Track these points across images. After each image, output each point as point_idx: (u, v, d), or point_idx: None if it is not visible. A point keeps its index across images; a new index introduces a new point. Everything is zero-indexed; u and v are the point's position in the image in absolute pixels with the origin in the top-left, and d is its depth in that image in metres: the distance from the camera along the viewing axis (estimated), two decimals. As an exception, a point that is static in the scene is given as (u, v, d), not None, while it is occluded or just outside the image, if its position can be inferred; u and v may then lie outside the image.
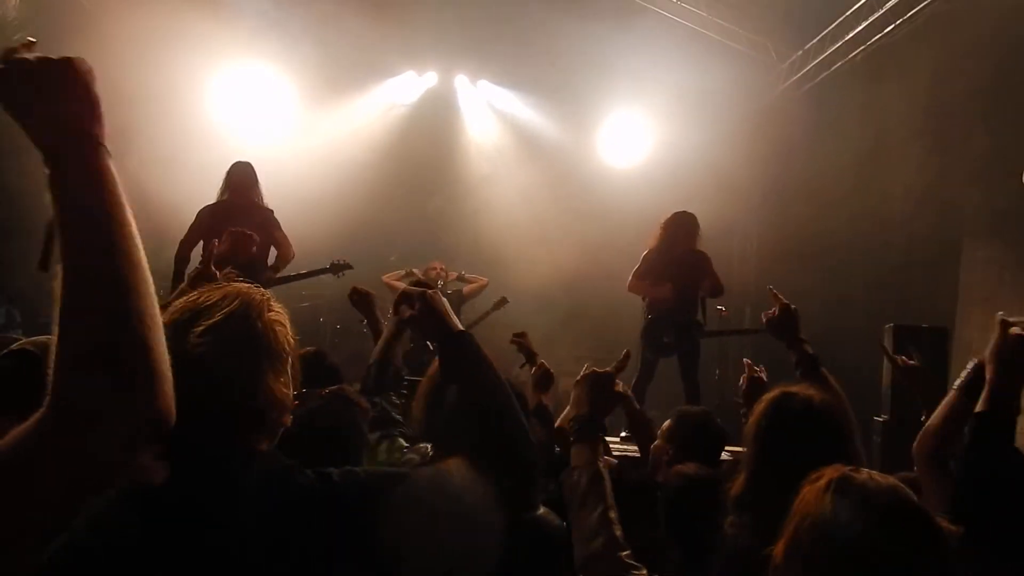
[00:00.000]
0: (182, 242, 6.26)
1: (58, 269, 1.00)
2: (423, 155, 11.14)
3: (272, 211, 6.52)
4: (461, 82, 11.59)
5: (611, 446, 5.28)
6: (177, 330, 1.37)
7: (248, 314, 1.44)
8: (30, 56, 1.08)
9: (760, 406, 2.19)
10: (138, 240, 1.05)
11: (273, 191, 6.81)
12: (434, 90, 11.52)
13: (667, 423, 3.41)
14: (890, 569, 1.43)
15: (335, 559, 1.31)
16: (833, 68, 9.90)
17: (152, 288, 1.03)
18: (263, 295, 1.51)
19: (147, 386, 0.98)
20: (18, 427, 0.96)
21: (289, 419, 1.50)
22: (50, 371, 0.97)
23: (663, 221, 6.93)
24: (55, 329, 0.98)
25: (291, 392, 1.50)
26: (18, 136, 1.06)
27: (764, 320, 3.08)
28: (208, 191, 6.59)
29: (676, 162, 10.75)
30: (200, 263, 3.59)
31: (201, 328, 1.38)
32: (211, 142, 9.34)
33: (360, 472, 1.46)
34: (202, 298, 1.45)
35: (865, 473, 1.56)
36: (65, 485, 0.96)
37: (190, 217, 6.39)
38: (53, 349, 0.97)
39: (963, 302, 7.21)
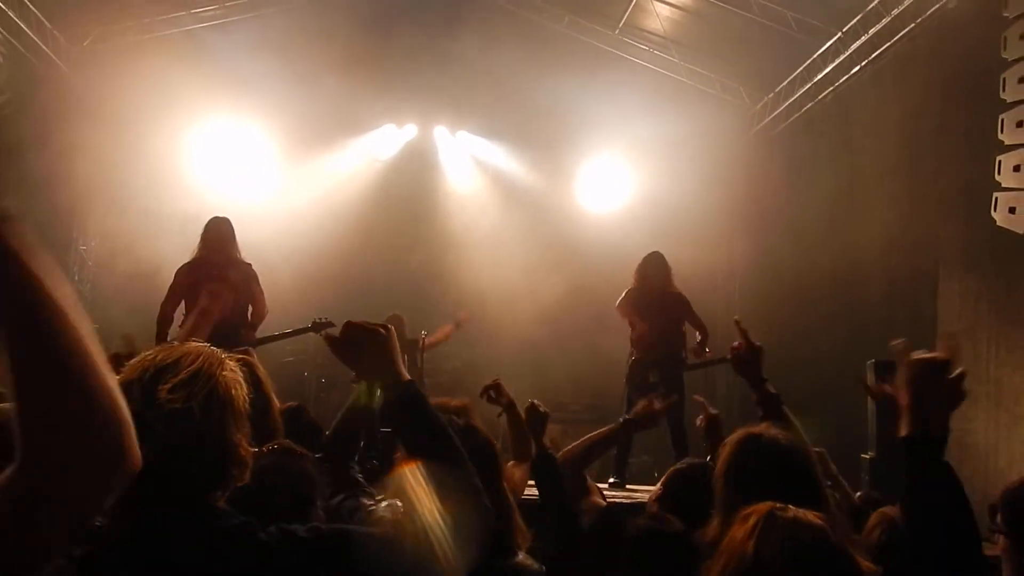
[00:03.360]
0: (163, 303, 6.21)
1: None
2: (404, 208, 11.20)
3: (250, 265, 6.47)
4: (440, 134, 11.72)
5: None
6: (145, 386, 1.39)
7: (211, 372, 1.47)
8: None
9: (726, 449, 2.18)
10: (70, 300, 1.01)
11: (253, 246, 6.81)
12: (414, 142, 11.64)
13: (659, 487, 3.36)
14: None
15: None
16: (804, 109, 10.11)
17: (95, 343, 1.01)
18: (219, 354, 1.54)
19: (116, 442, 0.98)
20: None
21: (247, 475, 1.52)
22: (15, 437, 0.96)
23: (637, 266, 7.05)
24: (14, 402, 0.97)
25: (250, 448, 1.52)
26: None
27: (730, 355, 2.94)
28: (190, 247, 6.58)
29: (654, 206, 10.88)
30: (180, 325, 3.58)
31: (169, 384, 1.41)
32: (191, 198, 9.37)
33: (323, 529, 1.48)
34: (160, 356, 1.48)
35: (791, 512, 1.59)
36: (34, 547, 0.96)
37: (171, 274, 6.37)
38: (15, 418, 0.96)
39: (942, 334, 7.26)
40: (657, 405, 3.30)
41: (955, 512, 1.79)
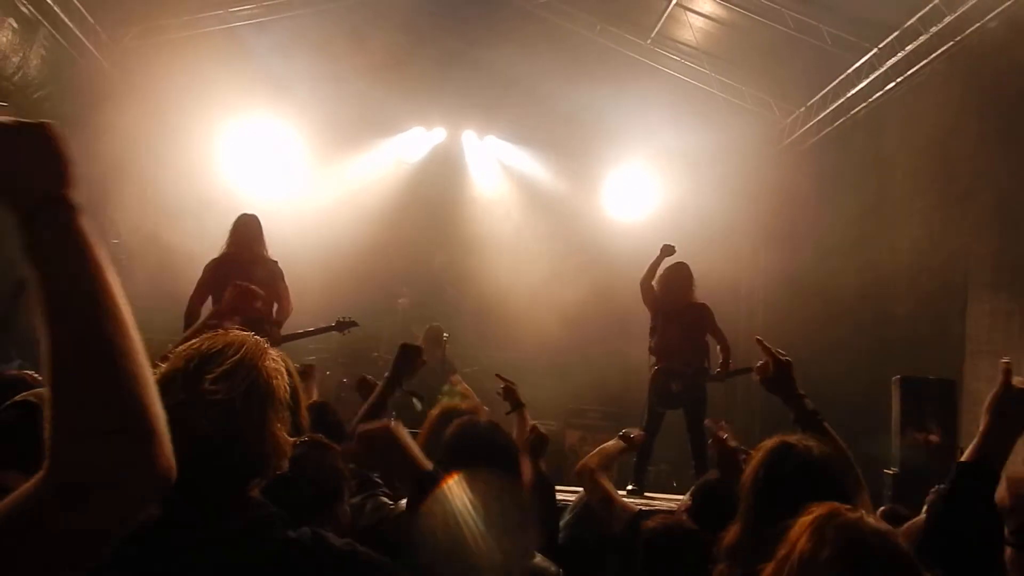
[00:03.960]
0: (191, 298, 6.26)
1: (42, 333, 0.97)
2: (430, 210, 11.26)
3: (276, 262, 6.51)
4: (468, 138, 11.77)
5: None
6: (188, 376, 1.41)
7: (253, 362, 1.48)
8: (3, 120, 1.05)
9: (758, 455, 2.14)
10: (122, 299, 1.02)
11: (280, 245, 6.85)
12: (441, 146, 11.71)
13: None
14: None
15: None
16: (835, 124, 10.04)
17: (140, 346, 1.01)
18: (261, 343, 1.55)
19: (149, 453, 0.97)
20: (19, 489, 0.95)
21: (286, 465, 1.53)
22: (46, 434, 0.96)
23: (660, 275, 7.00)
24: (49, 394, 0.96)
25: (288, 439, 1.53)
26: None
27: (755, 375, 2.78)
28: (220, 244, 6.65)
29: (680, 216, 10.85)
30: (207, 316, 3.60)
31: (213, 375, 1.42)
32: (223, 193, 9.49)
33: (358, 551, 1.47)
34: (205, 345, 1.49)
35: (857, 514, 1.57)
36: (63, 553, 0.95)
37: (201, 268, 6.44)
38: (47, 413, 0.96)
39: (971, 353, 7.17)
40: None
41: (986, 544, 1.78)
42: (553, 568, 2.37)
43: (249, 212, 6.62)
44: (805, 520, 1.57)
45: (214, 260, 6.40)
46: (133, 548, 1.31)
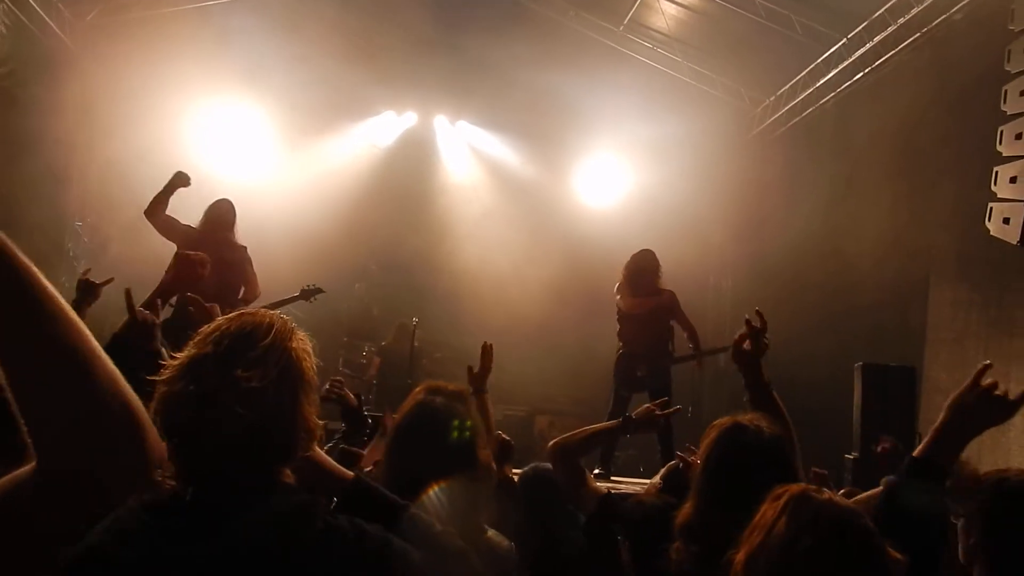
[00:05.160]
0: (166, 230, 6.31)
1: None
2: (401, 195, 11.20)
3: (245, 248, 6.55)
4: (440, 123, 11.72)
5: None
6: (219, 362, 1.39)
7: (284, 345, 1.46)
8: None
9: (711, 435, 2.21)
10: (60, 300, 1.04)
11: (249, 227, 6.82)
12: (413, 130, 11.65)
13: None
14: None
15: None
16: (804, 114, 10.14)
17: (92, 340, 1.04)
18: (288, 323, 1.51)
19: (131, 440, 1.00)
20: (7, 478, 0.99)
21: (314, 445, 1.52)
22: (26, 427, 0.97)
23: (626, 262, 7.04)
24: (14, 402, 0.98)
25: (318, 420, 1.51)
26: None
27: (737, 341, 2.88)
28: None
29: (651, 203, 10.91)
30: (155, 289, 3.56)
31: (246, 361, 1.39)
32: (190, 175, 9.35)
33: (393, 540, 1.45)
34: (233, 327, 1.46)
35: (826, 494, 1.62)
36: (48, 536, 0.98)
37: (167, 249, 6.38)
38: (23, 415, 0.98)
39: (931, 342, 7.33)
40: (659, 412, 3.34)
41: (930, 537, 1.83)
42: (506, 543, 2.40)
43: (225, 198, 6.61)
44: (777, 503, 1.61)
45: (192, 228, 6.38)
46: (167, 534, 1.32)
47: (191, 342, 1.45)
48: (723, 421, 2.24)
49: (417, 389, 3.02)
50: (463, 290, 10.13)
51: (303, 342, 1.51)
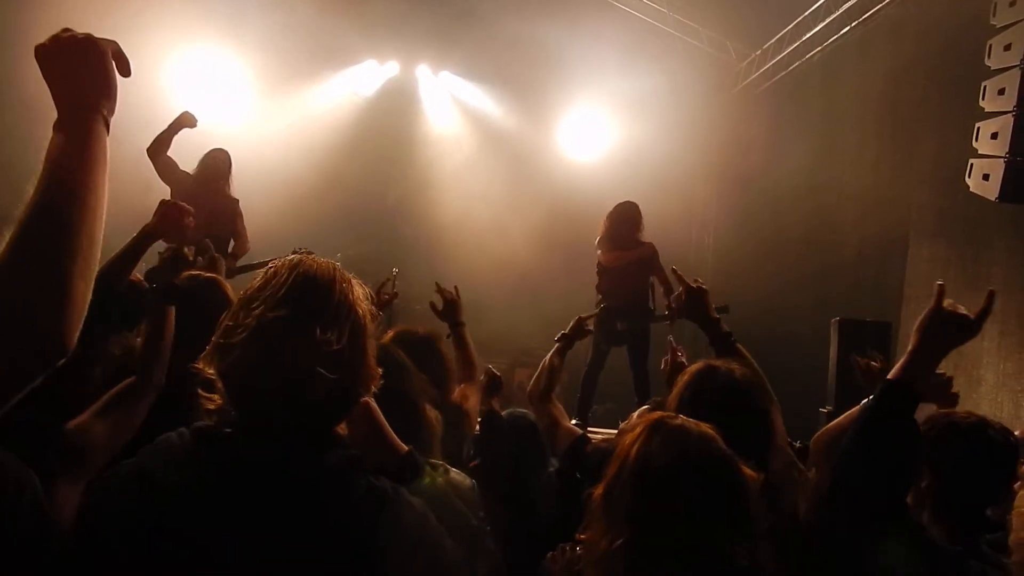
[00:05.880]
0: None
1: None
2: (383, 145, 11.07)
3: (238, 201, 6.53)
4: (423, 72, 11.55)
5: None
6: (296, 324, 1.35)
7: (349, 300, 1.43)
8: (64, 35, 1.25)
9: (683, 379, 2.28)
10: (100, 199, 1.18)
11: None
12: (395, 80, 11.46)
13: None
14: (695, 505, 1.54)
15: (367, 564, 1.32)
16: (790, 68, 10.08)
17: (97, 241, 1.16)
18: (341, 271, 1.49)
19: (53, 315, 1.07)
20: None
21: (374, 389, 1.50)
22: None
23: (608, 213, 7.01)
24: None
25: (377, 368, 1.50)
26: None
27: (672, 304, 3.01)
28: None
29: (634, 156, 10.85)
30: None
31: (323, 321, 1.37)
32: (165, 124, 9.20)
33: (430, 517, 1.45)
34: (299, 281, 1.41)
35: (680, 420, 1.70)
36: None
37: (143, 200, 6.29)
38: None
39: (908, 298, 7.40)
40: (584, 320, 3.58)
41: (904, 459, 1.89)
42: (468, 481, 2.41)
43: (221, 148, 6.55)
44: (636, 430, 1.68)
45: (188, 176, 6.34)
46: (215, 467, 1.33)
47: (250, 295, 1.40)
48: (697, 364, 2.32)
49: (387, 334, 3.03)
50: (444, 243, 10.09)
51: (362, 288, 1.49)
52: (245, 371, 1.34)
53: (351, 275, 1.50)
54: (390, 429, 1.64)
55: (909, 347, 1.93)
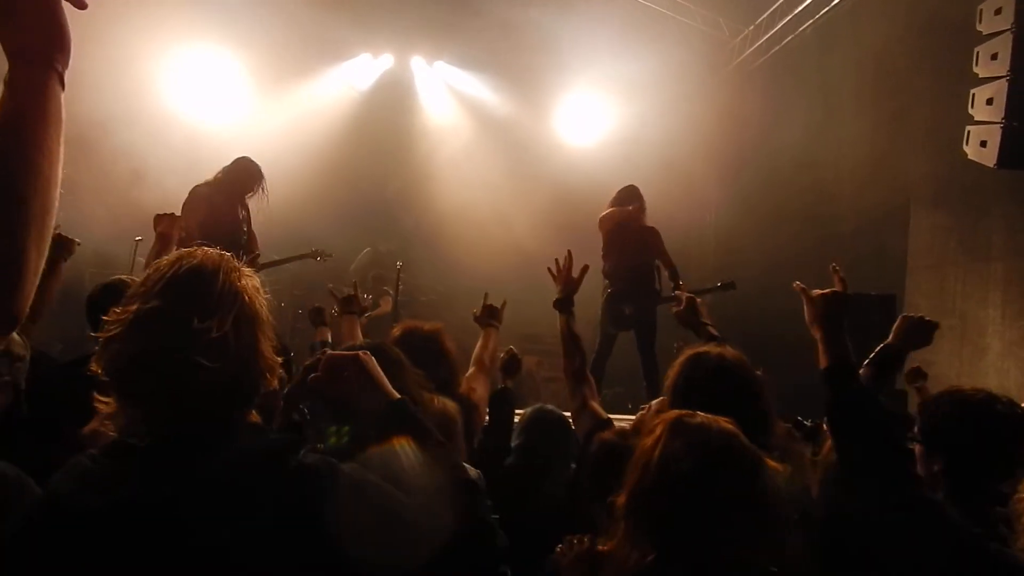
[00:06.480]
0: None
1: None
2: (381, 138, 11.06)
3: (247, 208, 6.49)
4: (417, 63, 11.52)
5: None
6: (172, 316, 1.34)
7: (234, 287, 1.42)
8: None
9: (677, 364, 2.37)
10: (54, 163, 1.12)
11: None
12: (390, 72, 11.45)
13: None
14: (718, 502, 1.56)
15: (296, 542, 1.29)
16: (784, 42, 10.04)
17: (51, 209, 1.11)
18: (231, 260, 1.47)
19: (4, 287, 1.05)
20: None
21: (275, 382, 1.50)
22: None
23: (612, 197, 7.05)
24: None
25: (276, 357, 1.49)
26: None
27: (673, 313, 3.47)
28: (163, 171, 6.49)
29: (632, 138, 10.84)
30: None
31: (202, 310, 1.36)
32: (166, 124, 9.21)
33: (369, 479, 1.40)
34: (180, 272, 1.40)
35: (700, 417, 1.70)
36: None
37: (132, 192, 6.29)
38: None
39: (912, 269, 7.41)
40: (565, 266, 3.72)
41: (881, 426, 1.96)
42: (473, 471, 2.44)
43: (250, 159, 6.47)
44: (653, 434, 1.69)
45: (204, 188, 6.24)
46: (129, 479, 1.30)
47: (132, 291, 1.39)
48: (686, 352, 2.44)
49: (395, 329, 3.09)
50: (446, 232, 10.10)
51: (251, 278, 1.48)
52: (125, 364, 1.32)
53: (246, 268, 1.49)
54: (384, 379, 1.60)
55: (818, 339, 2.21)
